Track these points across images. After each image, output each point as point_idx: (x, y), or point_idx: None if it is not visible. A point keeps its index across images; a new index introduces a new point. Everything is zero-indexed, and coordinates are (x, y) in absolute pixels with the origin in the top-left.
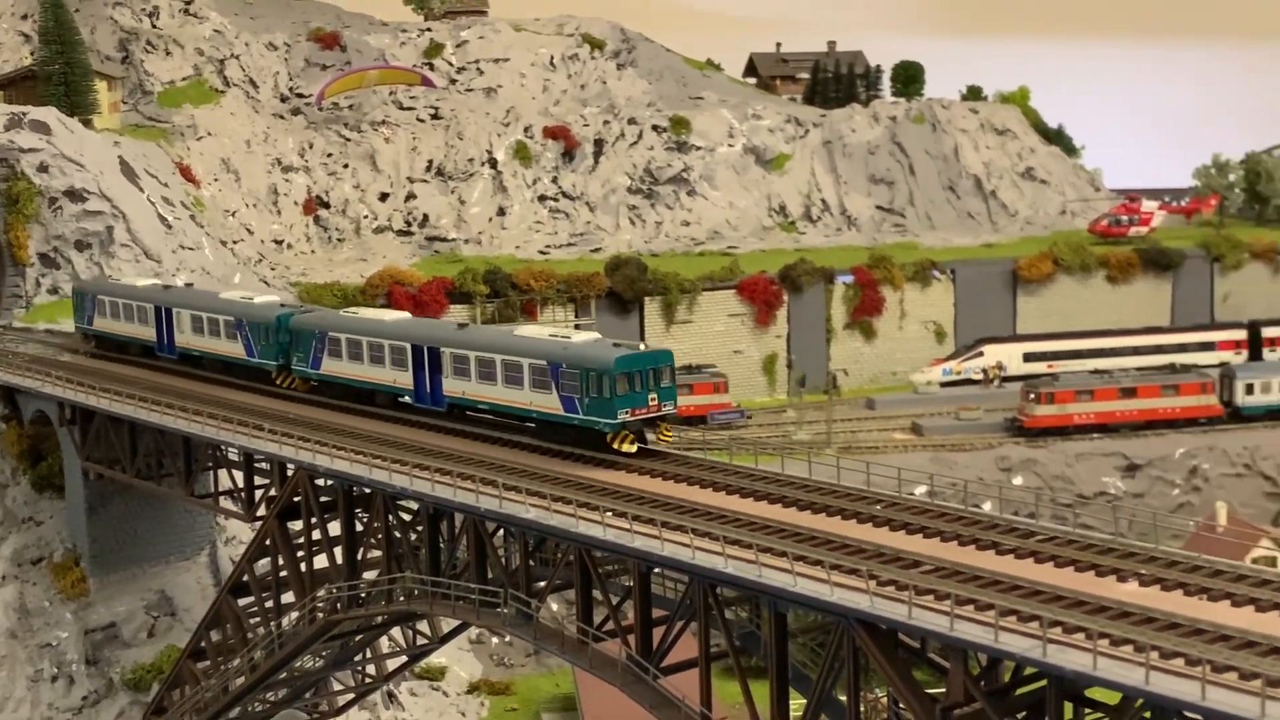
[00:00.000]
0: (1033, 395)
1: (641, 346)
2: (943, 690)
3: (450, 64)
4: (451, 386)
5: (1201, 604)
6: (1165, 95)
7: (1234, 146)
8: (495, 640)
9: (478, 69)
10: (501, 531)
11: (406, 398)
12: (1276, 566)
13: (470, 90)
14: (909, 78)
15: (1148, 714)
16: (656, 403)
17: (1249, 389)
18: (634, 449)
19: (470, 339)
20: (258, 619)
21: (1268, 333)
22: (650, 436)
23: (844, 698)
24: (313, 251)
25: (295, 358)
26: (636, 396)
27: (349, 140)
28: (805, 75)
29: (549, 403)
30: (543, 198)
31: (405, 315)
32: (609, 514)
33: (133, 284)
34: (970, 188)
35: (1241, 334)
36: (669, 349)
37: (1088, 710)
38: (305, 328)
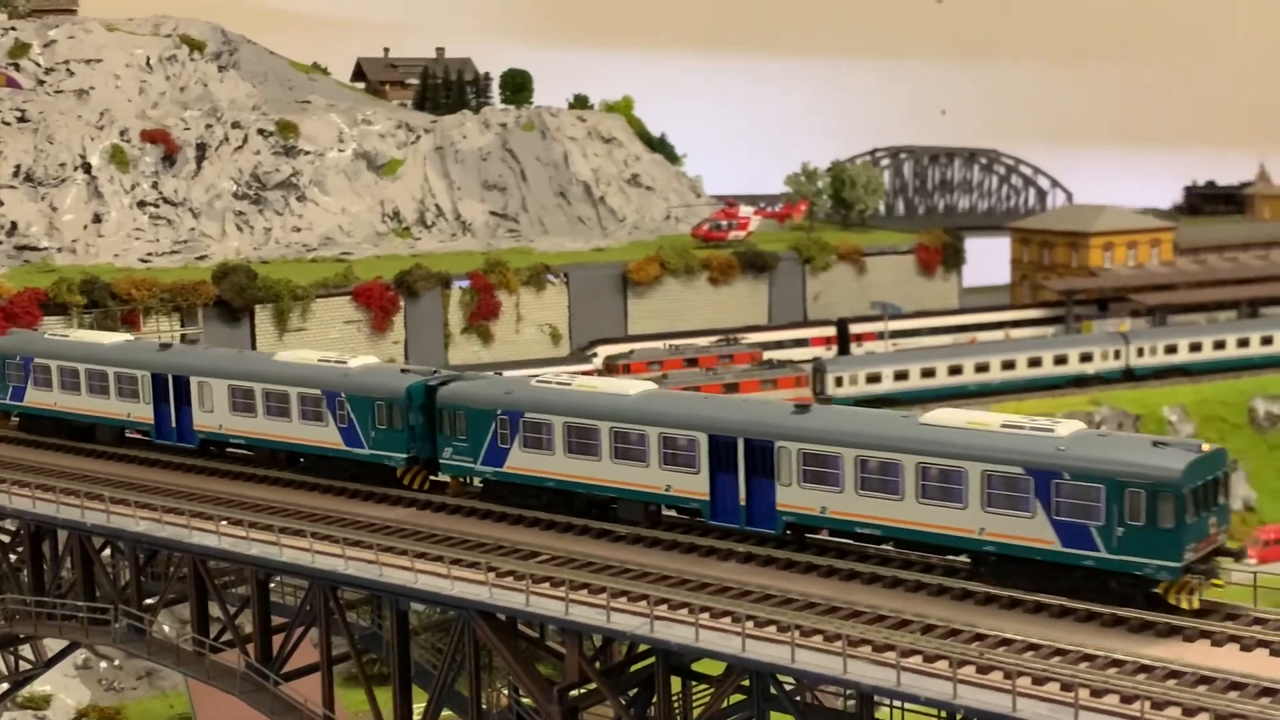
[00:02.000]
0: None
1: (1204, 446)
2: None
3: (38, 64)
4: (793, 498)
5: (791, 577)
6: (758, 106)
7: (821, 155)
8: (104, 664)
9: (68, 70)
10: (110, 548)
11: (673, 508)
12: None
13: (60, 92)
14: (518, 86)
15: (746, 680)
16: (1216, 529)
17: (839, 381)
18: (1198, 605)
19: (836, 428)
20: None
21: (855, 329)
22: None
23: (466, 692)
24: None
25: (448, 448)
26: (1200, 523)
27: None
28: (415, 81)
29: (1028, 530)
30: (142, 204)
31: (652, 386)
32: (224, 522)
33: (96, 340)
34: (580, 194)
35: (831, 331)
36: (1223, 446)
37: (694, 683)
38: (470, 405)
